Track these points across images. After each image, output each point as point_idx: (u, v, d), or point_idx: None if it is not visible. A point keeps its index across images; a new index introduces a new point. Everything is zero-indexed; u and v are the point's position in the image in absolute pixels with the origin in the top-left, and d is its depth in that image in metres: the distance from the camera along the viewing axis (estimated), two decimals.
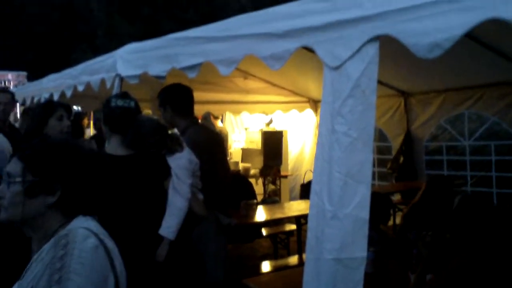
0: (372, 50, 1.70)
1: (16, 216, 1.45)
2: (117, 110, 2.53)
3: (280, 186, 8.38)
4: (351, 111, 1.73)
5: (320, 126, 1.87)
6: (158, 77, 2.98)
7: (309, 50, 1.98)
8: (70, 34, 36.95)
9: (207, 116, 7.91)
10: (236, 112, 8.39)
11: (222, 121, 9.43)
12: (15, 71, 20.81)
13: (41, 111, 3.04)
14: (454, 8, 1.50)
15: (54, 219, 1.47)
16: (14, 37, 35.97)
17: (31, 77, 20.28)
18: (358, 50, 1.72)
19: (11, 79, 20.33)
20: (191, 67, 2.65)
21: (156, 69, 2.97)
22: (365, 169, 1.72)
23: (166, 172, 2.60)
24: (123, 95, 2.62)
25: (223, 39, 2.41)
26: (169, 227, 2.55)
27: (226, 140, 9.08)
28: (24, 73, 20.09)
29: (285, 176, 8.28)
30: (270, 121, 8.70)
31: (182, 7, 33.67)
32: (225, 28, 2.44)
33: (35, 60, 33.70)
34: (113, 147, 2.55)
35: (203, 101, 6.89)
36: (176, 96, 3.38)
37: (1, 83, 20.78)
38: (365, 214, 1.70)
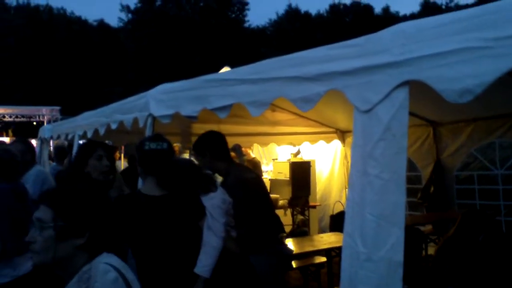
0: (402, 95, 1.74)
1: (47, 259, 1.55)
2: (150, 153, 2.61)
3: (308, 216, 8.33)
4: (383, 154, 1.76)
5: (351, 168, 1.90)
6: (190, 117, 3.07)
7: None
8: (102, 70, 38.11)
9: (237, 148, 7.99)
10: (264, 144, 8.45)
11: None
12: (49, 106, 21.45)
13: (82, 152, 3.16)
14: (486, 54, 1.52)
15: (82, 257, 1.58)
16: (49, 73, 37.28)
17: (64, 111, 20.89)
18: (388, 95, 1.75)
19: (45, 113, 20.95)
20: (222, 108, 2.73)
21: (188, 109, 3.06)
22: (398, 211, 1.73)
23: (200, 211, 2.65)
24: (156, 137, 2.70)
25: (253, 81, 2.49)
26: (204, 265, 2.59)
27: (260, 169, 9.14)
28: (58, 108, 20.66)
29: (314, 206, 8.24)
30: (298, 152, 8.71)
31: (210, 40, 34.37)
32: (256, 71, 2.51)
33: (70, 95, 34.78)
34: (149, 187, 2.63)
35: (232, 133, 6.98)
36: (213, 143, 3.52)
37: (36, 117, 21.47)
38: (399, 256, 1.71)
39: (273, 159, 9.33)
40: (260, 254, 3.21)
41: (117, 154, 7.88)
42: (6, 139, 18.43)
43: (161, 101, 3.42)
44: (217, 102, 2.76)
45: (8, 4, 42.43)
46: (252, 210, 3.22)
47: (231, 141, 7.81)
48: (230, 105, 2.68)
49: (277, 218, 6.26)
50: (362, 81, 1.86)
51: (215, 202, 2.72)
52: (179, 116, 3.39)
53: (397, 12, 46.66)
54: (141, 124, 3.67)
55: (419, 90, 1.78)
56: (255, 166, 9.05)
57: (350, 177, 1.89)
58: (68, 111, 22.07)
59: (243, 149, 9.21)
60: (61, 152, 7.59)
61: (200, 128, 6.46)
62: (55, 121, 19.27)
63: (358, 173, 1.84)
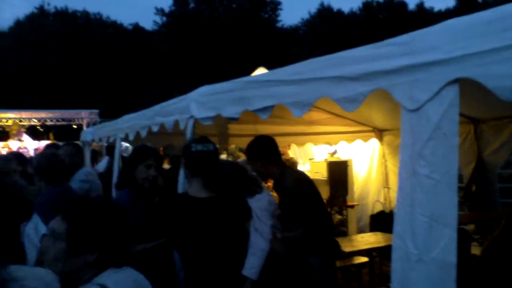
0: (452, 93, 1.71)
1: (57, 271, 1.55)
2: (197, 155, 2.64)
3: (347, 216, 8.27)
4: (433, 154, 1.73)
5: (400, 168, 1.87)
6: (231, 119, 3.09)
7: None
8: (138, 73, 38.81)
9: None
10: (300, 144, 8.43)
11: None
12: (88, 109, 21.97)
13: (134, 156, 3.24)
14: None
15: (89, 273, 1.58)
16: (86, 77, 38.23)
17: (102, 114, 21.37)
18: (437, 93, 1.72)
19: (84, 117, 21.46)
20: (264, 109, 2.74)
21: (229, 111, 3.09)
22: (451, 212, 1.70)
23: (247, 213, 2.67)
24: (202, 139, 2.74)
25: (295, 82, 2.48)
26: (251, 267, 2.61)
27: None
28: (97, 111, 21.12)
29: (352, 206, 8.17)
30: (335, 151, 8.67)
31: (243, 41, 34.50)
32: (297, 72, 2.51)
33: (106, 98, 35.56)
34: (195, 189, 2.66)
35: (268, 134, 6.99)
36: (265, 148, 3.61)
37: (76, 120, 22.02)
38: (452, 258, 1.68)
39: (309, 159, 9.31)
40: (320, 255, 3.22)
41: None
42: (47, 142, 18.96)
43: (202, 103, 3.46)
44: (259, 103, 2.77)
45: (47, 10, 43.74)
46: (315, 210, 3.24)
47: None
48: (271, 106, 2.69)
49: (331, 219, 6.29)
50: (410, 80, 1.83)
51: (261, 204, 2.74)
52: (217, 118, 3.42)
53: (432, 8, 45.54)
54: (182, 127, 3.72)
55: (460, 87, 1.74)
56: (293, 166, 9.06)
57: (399, 178, 1.87)
58: (105, 114, 22.59)
59: (281, 149, 9.22)
60: (93, 155, 7.78)
61: (236, 129, 6.51)
62: (94, 124, 19.71)
63: (407, 173, 1.81)
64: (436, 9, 47.65)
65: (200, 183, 2.64)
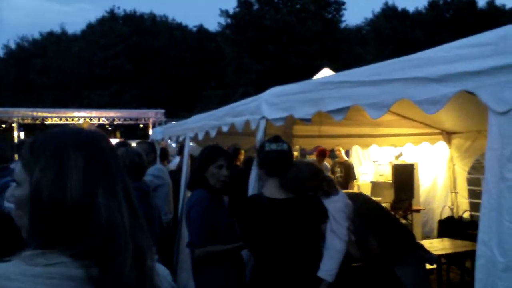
0: None
1: None
2: (272, 154, 2.67)
3: (412, 221, 8.06)
4: None
5: (486, 172, 1.81)
6: (304, 120, 3.10)
7: None
8: (201, 74, 39.64)
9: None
10: (365, 146, 8.30)
11: (347, 153, 9.41)
12: (154, 109, 22.70)
13: (205, 156, 3.31)
14: None
15: None
16: (152, 78, 39.53)
17: (168, 114, 22.01)
18: None
19: (150, 116, 22.18)
20: (338, 110, 2.72)
21: (302, 112, 3.09)
22: None
23: (323, 215, 2.67)
24: (276, 139, 2.76)
25: (373, 83, 2.45)
26: (328, 269, 2.60)
27: (353, 171, 9.03)
28: (162, 111, 21.76)
29: (418, 210, 7.95)
30: (400, 154, 8.47)
31: (307, 42, 34.38)
32: (375, 73, 2.48)
33: (171, 98, 36.59)
34: (271, 190, 2.68)
35: (332, 135, 6.94)
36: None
37: (142, 120, 22.81)
38: None
39: (373, 161, 9.15)
40: (406, 263, 3.15)
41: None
42: (117, 141, 19.75)
43: (273, 104, 3.48)
44: (333, 104, 2.76)
45: (117, 14, 45.57)
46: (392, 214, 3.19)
47: (332, 143, 7.79)
48: (347, 108, 2.67)
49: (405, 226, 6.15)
50: (499, 81, 1.76)
51: (338, 205, 2.73)
52: (288, 118, 3.44)
53: (504, 5, 43.22)
54: (253, 127, 3.76)
55: None
56: (347, 169, 8.95)
57: (485, 182, 1.81)
58: (170, 114, 23.26)
59: (336, 151, 9.15)
60: (163, 153, 8.03)
61: (300, 130, 6.51)
62: (159, 123, 20.31)
63: (494, 178, 1.75)
64: (508, 6, 45.25)
65: (276, 184, 2.66)
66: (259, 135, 3.66)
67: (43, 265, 1.10)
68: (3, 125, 22.44)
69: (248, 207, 2.68)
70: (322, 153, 8.91)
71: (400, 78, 2.27)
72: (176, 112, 28.54)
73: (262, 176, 2.77)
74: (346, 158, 9.18)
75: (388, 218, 3.66)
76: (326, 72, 8.94)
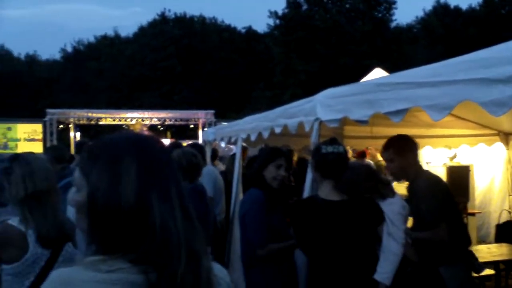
0: None
1: None
2: (328, 156, 2.67)
3: (467, 224, 7.83)
4: None
5: None
6: (360, 122, 3.08)
7: None
8: (250, 75, 39.90)
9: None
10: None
11: None
12: (203, 109, 23.04)
13: (265, 156, 3.37)
14: None
15: None
16: (201, 79, 40.17)
17: (217, 115, 22.29)
18: None
19: (200, 117, 22.55)
20: (397, 112, 2.68)
21: (358, 113, 3.07)
22: None
23: (380, 217, 2.65)
24: (332, 141, 2.77)
25: (433, 84, 2.40)
26: (384, 272, 2.59)
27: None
28: (212, 111, 22.06)
29: (473, 214, 7.71)
30: (454, 156, 8.25)
31: (356, 42, 33.94)
32: (435, 74, 2.43)
33: (220, 99, 37.05)
34: (326, 192, 2.69)
35: (383, 136, 6.81)
36: (410, 147, 3.60)
37: (192, 120, 23.23)
38: None
39: (427, 163, 8.94)
40: (454, 265, 3.10)
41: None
42: (167, 141, 20.22)
43: (328, 105, 3.47)
44: (391, 106, 2.72)
45: (168, 17, 46.53)
46: (448, 216, 3.14)
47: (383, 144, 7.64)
48: (406, 109, 2.63)
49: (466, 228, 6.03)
50: None
51: (395, 208, 2.71)
52: (343, 120, 3.43)
53: None
54: (307, 129, 3.77)
55: None
56: (380, 170, 8.77)
57: None
58: (220, 114, 23.54)
59: (370, 151, 8.99)
60: (213, 154, 8.17)
61: (352, 130, 6.44)
62: (209, 124, 20.63)
63: None
64: None
65: (331, 186, 2.66)
66: (313, 137, 3.66)
67: (105, 271, 1.14)
68: (61, 126, 23.34)
69: (304, 209, 2.70)
70: (362, 154, 8.80)
71: (462, 79, 2.21)
72: (225, 113, 28.89)
73: (316, 178, 2.78)
74: (380, 158, 9.04)
75: (457, 211, 3.63)
76: (378, 72, 8.81)
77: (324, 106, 3.51)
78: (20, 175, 2.30)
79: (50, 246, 2.30)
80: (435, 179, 3.56)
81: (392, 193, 2.78)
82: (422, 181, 3.38)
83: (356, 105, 3.11)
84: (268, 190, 3.21)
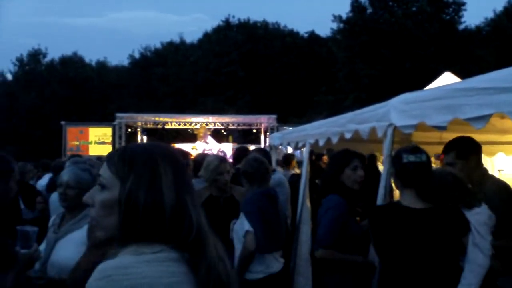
0: None
1: None
2: (410, 166, 2.61)
3: None
4: None
5: None
6: (438, 127, 2.98)
7: None
8: (312, 79, 39.72)
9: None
10: (490, 154, 7.73)
11: None
12: (266, 114, 23.18)
13: (338, 160, 3.34)
14: None
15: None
16: (264, 84, 40.46)
17: (279, 119, 22.35)
18: None
19: (263, 121, 22.72)
20: (479, 118, 2.58)
21: (435, 119, 2.97)
22: None
23: (465, 227, 2.56)
24: (414, 149, 2.70)
25: None
26: (469, 284, 2.49)
27: None
28: (274, 116, 22.16)
29: None
30: None
31: (423, 45, 32.92)
32: None
33: (282, 103, 37.14)
34: (409, 199, 2.63)
35: None
36: (473, 150, 3.44)
37: (255, 125, 23.43)
38: None
39: (499, 170, 8.52)
40: None
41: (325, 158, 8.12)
42: (230, 145, 20.51)
43: (403, 111, 3.38)
44: (473, 111, 2.61)
45: (232, 23, 47.25)
46: None
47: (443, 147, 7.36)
48: (489, 115, 2.51)
49: None
50: None
51: (481, 218, 2.60)
52: (419, 126, 3.33)
53: None
54: (379, 134, 3.69)
55: None
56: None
57: None
58: (281, 119, 23.58)
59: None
60: (287, 159, 8.19)
61: (420, 136, 6.24)
62: (271, 128, 20.74)
63: None
64: None
65: (413, 194, 2.60)
66: (387, 143, 3.59)
67: (151, 252, 1.28)
68: (129, 129, 24.22)
69: (384, 215, 2.65)
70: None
71: None
72: (286, 117, 28.87)
73: (397, 185, 2.72)
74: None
75: None
76: (448, 77, 8.52)
77: (399, 111, 3.43)
78: None
79: None
80: (503, 184, 3.38)
81: (479, 202, 2.67)
82: (489, 186, 3.20)
83: (435, 111, 3.01)
84: (348, 194, 3.19)
